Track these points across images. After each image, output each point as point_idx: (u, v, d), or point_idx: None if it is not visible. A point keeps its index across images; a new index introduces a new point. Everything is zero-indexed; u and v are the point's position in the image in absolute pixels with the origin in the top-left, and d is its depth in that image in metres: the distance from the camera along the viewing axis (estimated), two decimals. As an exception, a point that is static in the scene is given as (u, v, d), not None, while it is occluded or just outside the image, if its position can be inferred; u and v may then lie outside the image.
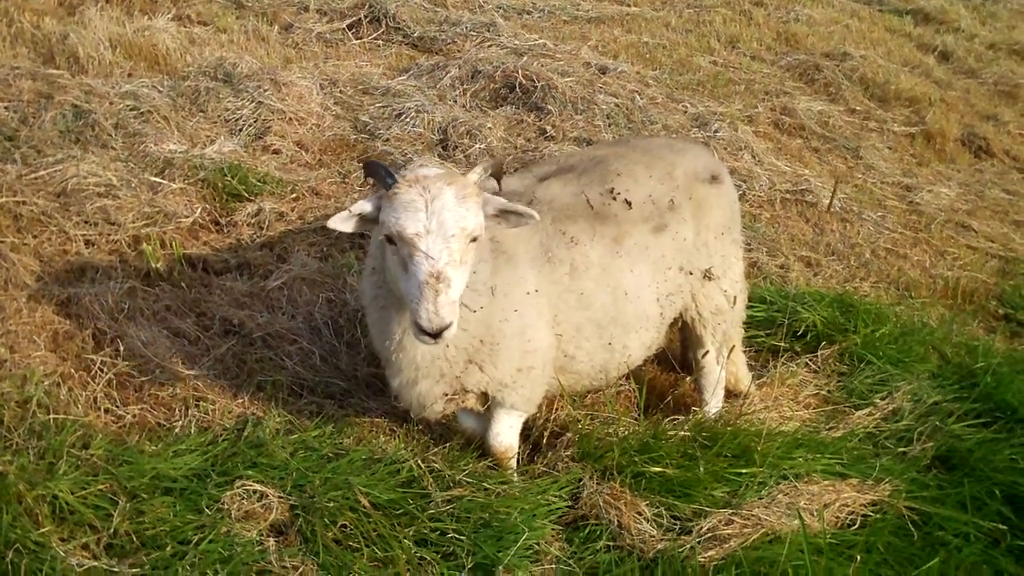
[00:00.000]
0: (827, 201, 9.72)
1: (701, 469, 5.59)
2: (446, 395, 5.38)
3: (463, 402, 5.50)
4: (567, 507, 5.53)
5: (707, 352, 6.40)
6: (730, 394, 6.72)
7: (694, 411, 6.38)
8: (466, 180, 4.66)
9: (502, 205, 4.82)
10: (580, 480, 5.63)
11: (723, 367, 6.47)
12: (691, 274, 6.04)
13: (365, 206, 4.73)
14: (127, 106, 8.84)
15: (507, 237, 5.26)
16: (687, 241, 5.97)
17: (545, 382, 5.62)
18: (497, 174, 4.87)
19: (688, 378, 6.85)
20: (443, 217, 4.49)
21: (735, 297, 6.38)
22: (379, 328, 5.19)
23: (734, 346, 6.57)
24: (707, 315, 6.25)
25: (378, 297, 5.11)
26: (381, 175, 4.64)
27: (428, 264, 4.45)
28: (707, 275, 6.11)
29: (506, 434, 5.61)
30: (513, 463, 5.70)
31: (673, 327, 6.38)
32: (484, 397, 5.51)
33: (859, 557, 5.13)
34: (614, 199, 5.72)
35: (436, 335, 4.47)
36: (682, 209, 5.95)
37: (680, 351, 6.89)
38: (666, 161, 6.12)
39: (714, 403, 6.50)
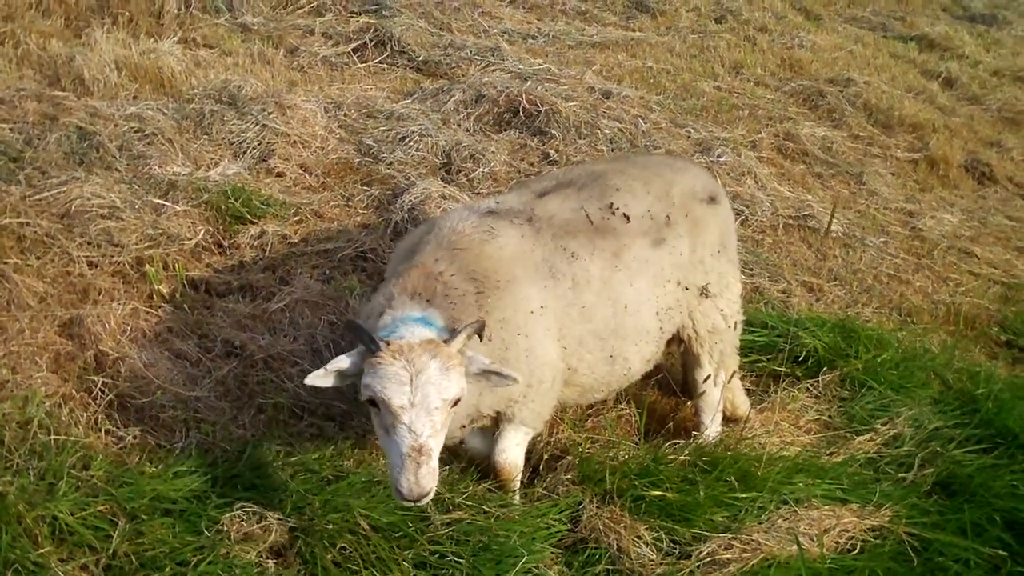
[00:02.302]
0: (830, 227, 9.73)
1: (701, 493, 5.59)
2: (463, 426, 5.44)
3: (477, 424, 5.56)
4: (567, 530, 5.53)
5: (705, 373, 6.43)
6: (728, 420, 6.73)
7: (694, 435, 6.39)
8: (449, 351, 4.66)
9: (485, 366, 4.84)
10: (580, 503, 5.63)
11: (721, 390, 6.48)
12: (687, 290, 6.08)
13: (343, 363, 4.78)
14: (132, 128, 8.86)
15: (500, 264, 5.30)
16: (683, 256, 6.02)
17: (555, 396, 5.66)
18: (480, 333, 4.88)
19: (689, 403, 6.86)
20: (427, 391, 4.56)
21: (736, 322, 6.41)
22: None
23: (734, 372, 6.59)
24: (704, 334, 6.29)
25: None
26: (365, 340, 4.67)
27: (411, 438, 4.53)
28: (704, 292, 6.15)
29: (512, 451, 5.62)
30: (516, 483, 5.70)
31: (672, 344, 6.40)
32: (496, 417, 5.54)
33: (858, 583, 5.15)
34: (613, 213, 5.76)
35: (416, 501, 4.58)
36: (678, 225, 6.01)
37: (682, 375, 6.90)
38: (664, 179, 6.20)
39: (713, 428, 6.50)
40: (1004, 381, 7.45)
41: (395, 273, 5.39)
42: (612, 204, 5.83)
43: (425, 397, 4.54)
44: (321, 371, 4.77)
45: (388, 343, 4.62)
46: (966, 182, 12.34)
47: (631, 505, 5.58)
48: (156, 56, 10.52)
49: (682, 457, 5.88)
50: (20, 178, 7.79)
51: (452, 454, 5.86)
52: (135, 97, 9.84)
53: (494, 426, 5.62)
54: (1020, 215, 11.59)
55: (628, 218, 5.81)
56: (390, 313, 4.97)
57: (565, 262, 5.54)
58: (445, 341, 4.69)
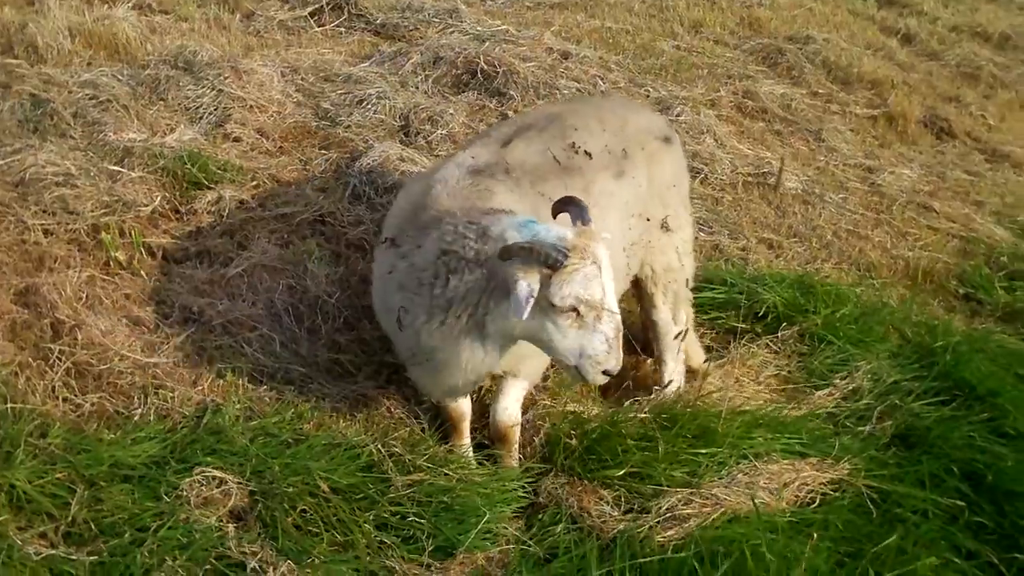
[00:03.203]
0: (789, 184, 9.75)
1: (660, 450, 5.62)
2: (476, 382, 5.53)
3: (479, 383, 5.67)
4: (528, 492, 5.57)
5: (661, 314, 6.55)
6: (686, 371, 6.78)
7: (656, 390, 6.41)
8: (596, 231, 4.83)
9: None
10: (544, 460, 5.67)
11: (682, 340, 6.52)
12: (648, 221, 6.15)
13: (536, 287, 4.64)
14: (86, 95, 8.77)
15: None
16: (642, 188, 6.08)
17: None
18: None
19: (649, 360, 6.88)
20: (608, 275, 4.74)
21: (686, 265, 6.46)
22: (443, 356, 5.17)
23: (687, 328, 6.62)
24: (659, 271, 6.39)
25: (453, 331, 5.05)
26: (552, 255, 4.59)
27: (614, 320, 4.71)
28: (664, 225, 6.20)
29: (513, 407, 5.73)
30: (517, 439, 5.81)
31: (632, 298, 6.47)
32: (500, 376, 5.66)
33: (816, 535, 5.18)
34: (576, 152, 5.81)
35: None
36: (635, 157, 6.08)
37: (643, 332, 6.91)
38: (619, 116, 6.31)
39: (671, 371, 6.56)
40: (962, 334, 7.49)
41: (426, 225, 5.24)
42: (573, 143, 5.86)
43: (608, 281, 4.74)
44: (530, 302, 4.62)
45: (572, 251, 4.66)
46: (925, 137, 12.36)
47: (594, 465, 5.61)
48: (111, 22, 10.38)
49: (642, 415, 5.91)
50: (-27, 147, 7.70)
51: (410, 413, 5.90)
52: (89, 64, 9.72)
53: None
54: (978, 170, 11.62)
55: (590, 155, 5.86)
56: (507, 226, 4.91)
57: (545, 207, 5.53)
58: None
